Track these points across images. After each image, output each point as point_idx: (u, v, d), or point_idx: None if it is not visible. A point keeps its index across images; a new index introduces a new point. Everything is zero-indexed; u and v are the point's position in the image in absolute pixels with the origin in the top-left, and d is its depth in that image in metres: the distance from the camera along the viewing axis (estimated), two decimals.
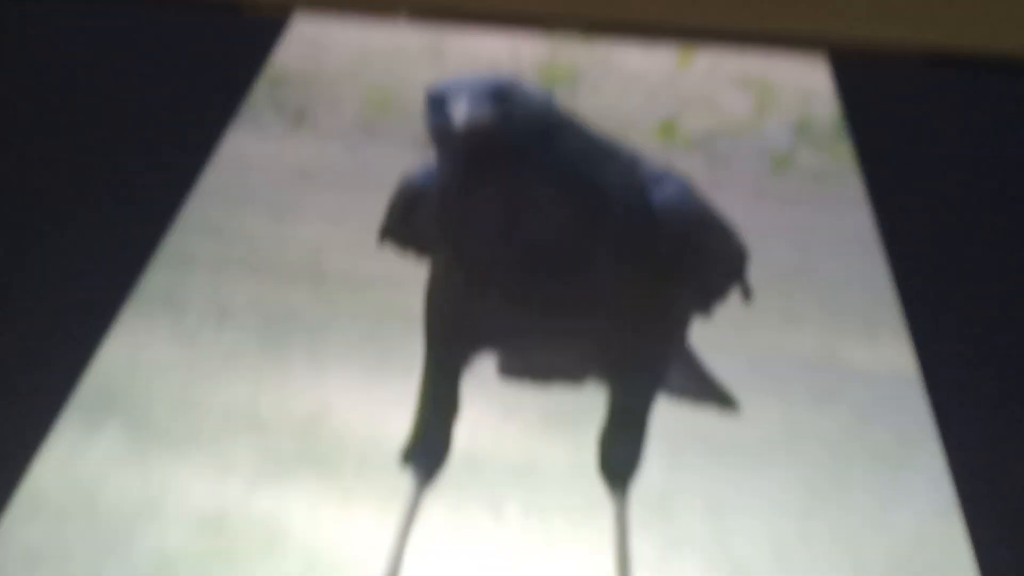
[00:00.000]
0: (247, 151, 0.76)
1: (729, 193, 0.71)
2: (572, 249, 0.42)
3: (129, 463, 0.52)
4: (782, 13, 0.88)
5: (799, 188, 0.72)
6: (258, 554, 0.47)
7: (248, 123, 0.79)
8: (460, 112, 0.39)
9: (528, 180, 0.41)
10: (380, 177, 0.52)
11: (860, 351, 0.58)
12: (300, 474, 0.51)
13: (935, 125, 0.79)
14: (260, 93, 0.83)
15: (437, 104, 0.41)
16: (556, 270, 0.42)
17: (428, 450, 0.49)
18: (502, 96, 0.40)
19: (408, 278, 0.49)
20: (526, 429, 0.53)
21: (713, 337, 0.53)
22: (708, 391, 0.53)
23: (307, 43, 0.90)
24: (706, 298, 0.48)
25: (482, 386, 0.53)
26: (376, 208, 0.48)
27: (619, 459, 0.48)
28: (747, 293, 0.48)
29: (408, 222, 0.47)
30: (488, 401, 0.54)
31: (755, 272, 0.48)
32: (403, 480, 0.49)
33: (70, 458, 0.52)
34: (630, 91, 0.83)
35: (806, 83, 0.83)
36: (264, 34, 0.90)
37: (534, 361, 0.54)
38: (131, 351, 0.59)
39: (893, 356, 0.58)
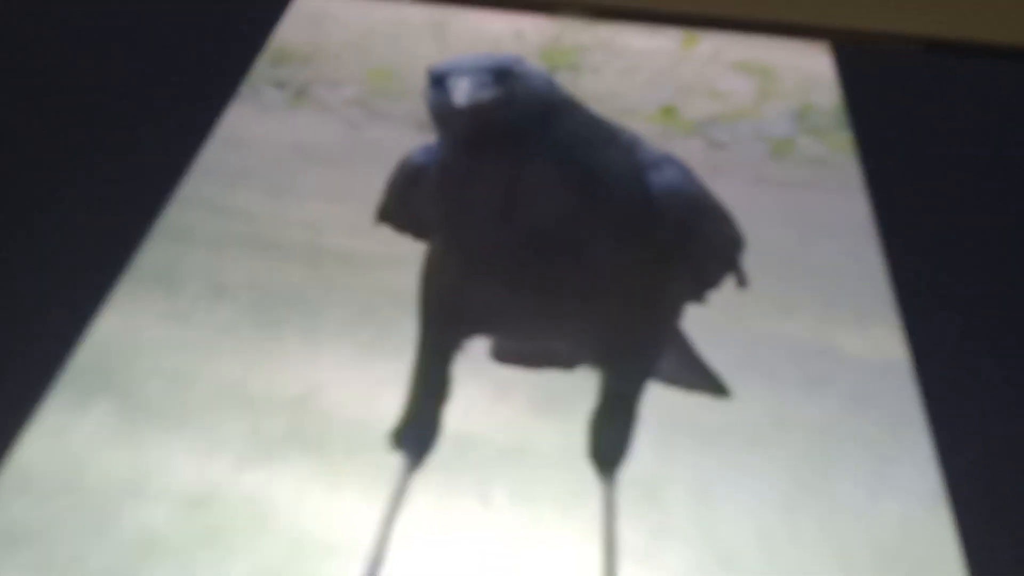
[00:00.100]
0: (246, 128, 0.76)
1: (728, 177, 0.71)
2: (570, 232, 0.42)
3: (118, 440, 0.52)
4: (786, 1, 0.88)
5: (798, 174, 0.72)
6: (245, 533, 0.47)
7: (248, 100, 0.79)
8: (461, 91, 0.39)
9: (528, 162, 0.41)
10: (380, 156, 0.52)
11: (853, 339, 0.58)
12: (289, 454, 0.51)
13: (935, 114, 0.78)
14: (261, 70, 0.82)
15: (438, 83, 0.41)
16: (554, 253, 0.42)
17: (418, 433, 0.49)
18: (503, 76, 0.40)
19: (405, 258, 0.49)
20: (517, 413, 0.53)
21: (706, 323, 0.53)
22: (700, 378, 0.53)
23: (309, 20, 0.89)
24: (701, 284, 0.48)
25: (474, 368, 0.53)
26: (376, 187, 0.48)
27: (609, 445, 0.48)
28: (742, 280, 0.48)
29: (407, 201, 0.47)
30: (480, 384, 0.54)
31: (751, 258, 0.48)
32: (392, 462, 0.49)
33: (59, 435, 0.52)
34: (632, 75, 0.83)
35: (808, 70, 0.83)
36: (266, 11, 0.90)
37: (528, 345, 0.54)
38: (124, 328, 0.59)
39: (885, 344, 0.57)
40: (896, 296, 0.60)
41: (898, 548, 0.47)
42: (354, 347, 0.58)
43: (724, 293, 0.48)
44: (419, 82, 0.41)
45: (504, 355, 0.54)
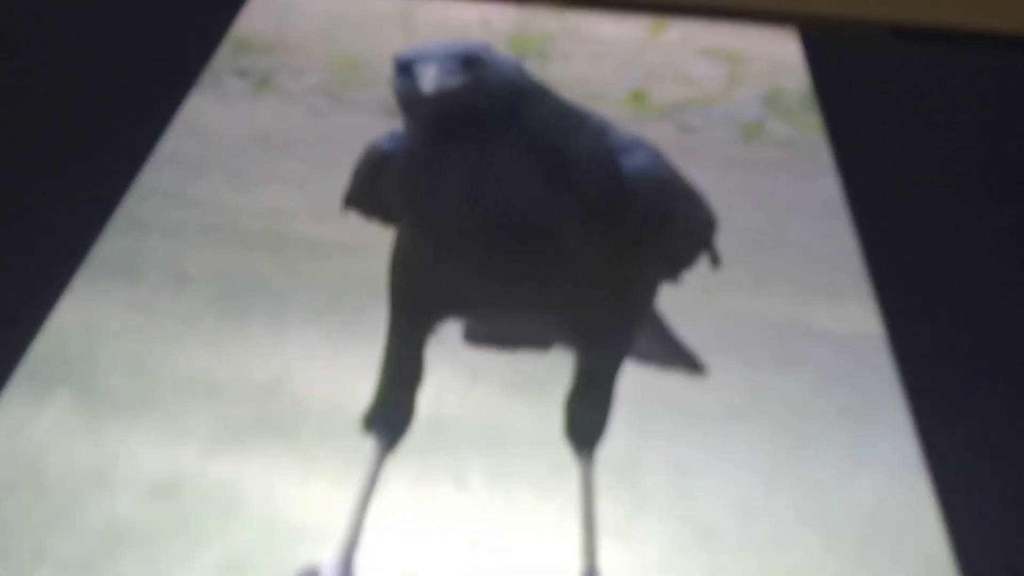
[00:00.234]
0: (208, 117, 0.75)
1: (699, 161, 0.70)
2: (540, 217, 0.41)
3: (79, 431, 0.51)
4: None
5: (768, 157, 0.72)
6: (214, 521, 0.46)
7: (209, 89, 0.78)
8: (428, 78, 0.39)
9: (496, 148, 0.40)
10: (345, 144, 0.51)
11: (826, 315, 0.58)
12: (258, 441, 0.50)
13: (901, 97, 0.79)
14: (223, 58, 0.81)
15: (405, 70, 0.40)
16: (523, 238, 0.42)
17: (390, 416, 0.48)
18: (471, 63, 0.40)
19: (372, 245, 0.48)
20: (491, 394, 0.52)
21: (681, 302, 0.52)
22: (675, 355, 0.53)
23: (273, 9, 0.88)
24: (674, 265, 0.48)
25: (448, 351, 0.52)
26: (341, 174, 0.47)
27: (585, 424, 0.48)
28: (715, 260, 0.48)
29: (374, 188, 0.47)
30: (453, 366, 0.53)
31: (724, 239, 0.48)
32: (364, 446, 0.48)
33: (17, 428, 0.51)
34: (601, 61, 0.83)
35: (777, 55, 0.83)
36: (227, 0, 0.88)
37: (500, 328, 0.54)
38: (84, 318, 0.58)
39: (859, 319, 0.58)
40: (868, 271, 0.60)
41: (877, 519, 0.47)
42: (323, 334, 0.57)
43: (698, 272, 0.47)
44: (385, 70, 0.40)
45: (477, 337, 0.53)
